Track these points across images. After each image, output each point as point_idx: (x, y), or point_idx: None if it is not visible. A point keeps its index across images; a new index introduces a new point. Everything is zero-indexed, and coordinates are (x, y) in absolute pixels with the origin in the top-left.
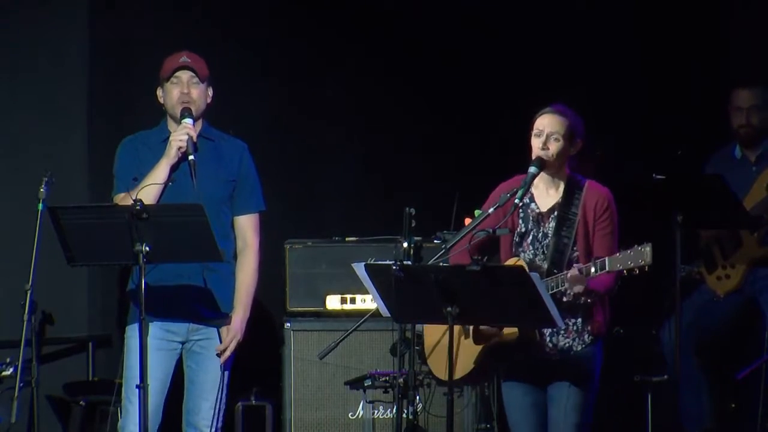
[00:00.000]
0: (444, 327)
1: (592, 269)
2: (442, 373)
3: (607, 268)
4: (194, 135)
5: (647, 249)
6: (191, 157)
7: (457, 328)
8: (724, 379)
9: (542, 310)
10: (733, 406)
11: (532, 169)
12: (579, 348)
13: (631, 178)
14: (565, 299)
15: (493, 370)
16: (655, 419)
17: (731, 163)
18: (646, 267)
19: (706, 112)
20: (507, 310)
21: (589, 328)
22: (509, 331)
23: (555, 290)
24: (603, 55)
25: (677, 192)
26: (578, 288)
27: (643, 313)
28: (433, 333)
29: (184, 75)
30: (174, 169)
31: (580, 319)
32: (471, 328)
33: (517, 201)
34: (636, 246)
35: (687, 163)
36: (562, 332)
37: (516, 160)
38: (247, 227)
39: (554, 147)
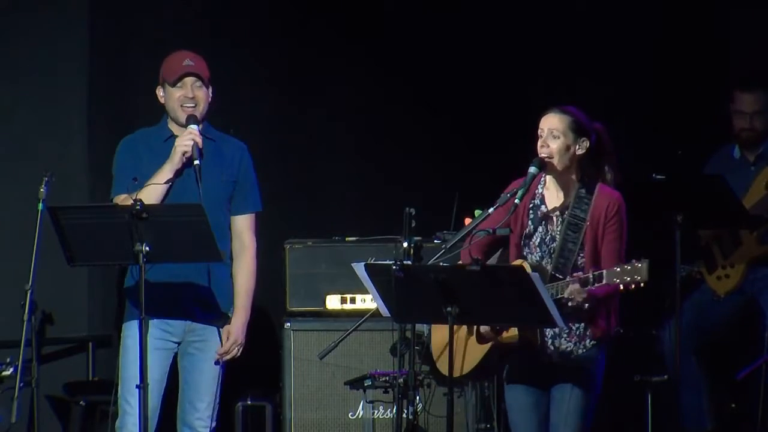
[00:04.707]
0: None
1: (591, 279)
2: (443, 369)
3: (603, 281)
4: (200, 141)
5: (644, 266)
6: (196, 162)
7: (463, 332)
8: (724, 379)
9: (542, 310)
10: (733, 406)
11: (531, 169)
12: (580, 352)
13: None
14: (570, 304)
15: (495, 369)
16: (655, 419)
17: (730, 163)
18: (642, 283)
19: (706, 112)
20: (507, 310)
21: (590, 332)
22: (509, 334)
23: (555, 297)
24: (603, 56)
25: (677, 192)
26: (579, 298)
27: (643, 313)
28: (441, 332)
29: (188, 79)
30: (178, 174)
31: (582, 324)
32: (475, 327)
33: (517, 201)
34: (633, 261)
35: (687, 163)
36: (564, 336)
37: (517, 160)
38: (244, 228)
39: (554, 145)
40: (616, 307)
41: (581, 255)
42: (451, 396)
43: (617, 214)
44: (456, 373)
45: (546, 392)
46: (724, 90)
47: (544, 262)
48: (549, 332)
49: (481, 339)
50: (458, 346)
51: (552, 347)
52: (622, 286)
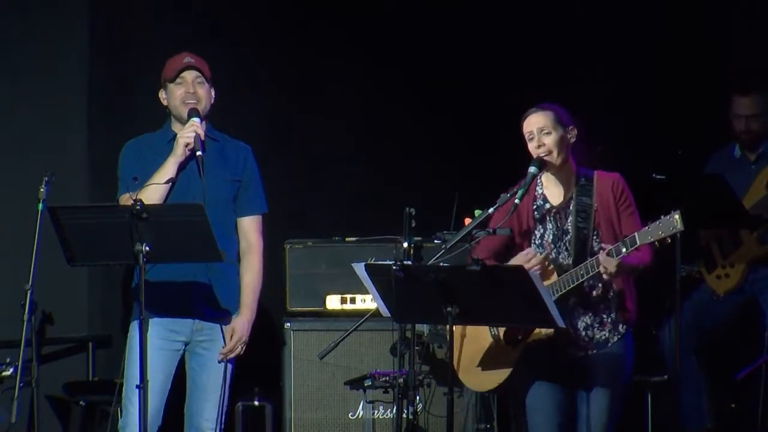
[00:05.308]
0: (462, 338)
1: (623, 249)
2: (475, 384)
3: (637, 243)
4: (201, 132)
5: (676, 216)
6: (199, 153)
7: (487, 340)
8: (724, 379)
9: (542, 310)
10: (733, 406)
11: (531, 170)
12: (616, 339)
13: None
14: (594, 293)
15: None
16: (655, 419)
17: (731, 162)
18: (678, 234)
19: (706, 112)
20: (507, 310)
21: (623, 318)
22: (542, 330)
23: (586, 277)
24: (603, 56)
25: (677, 192)
26: (612, 267)
27: (643, 313)
28: (459, 346)
29: (189, 75)
30: (182, 168)
31: (614, 313)
32: (501, 331)
33: (517, 201)
34: (663, 216)
35: (687, 163)
36: (597, 325)
37: (517, 160)
38: (250, 229)
39: (549, 140)
40: (635, 288)
41: (596, 239)
42: (451, 396)
43: (625, 191)
44: (484, 388)
45: (572, 391)
46: (724, 90)
47: (561, 257)
48: (581, 324)
49: (511, 340)
50: (483, 359)
51: (587, 338)
52: (657, 243)
